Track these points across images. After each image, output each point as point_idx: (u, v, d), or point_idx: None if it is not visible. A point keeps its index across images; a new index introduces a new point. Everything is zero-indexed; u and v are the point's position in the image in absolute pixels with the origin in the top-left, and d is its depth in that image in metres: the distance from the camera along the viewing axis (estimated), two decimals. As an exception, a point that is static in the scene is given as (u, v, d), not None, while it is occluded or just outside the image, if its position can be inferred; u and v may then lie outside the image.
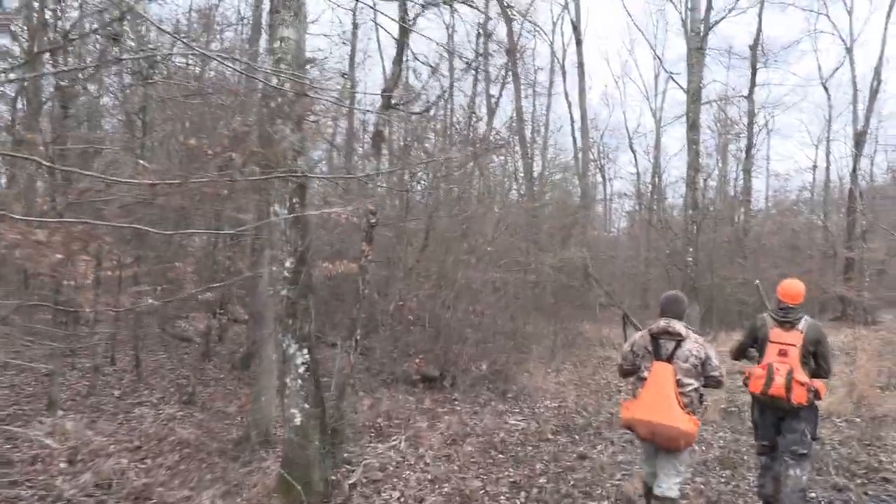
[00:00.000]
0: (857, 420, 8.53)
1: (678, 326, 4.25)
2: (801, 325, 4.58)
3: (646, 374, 4.28)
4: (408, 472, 5.58)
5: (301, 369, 4.62)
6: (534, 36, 28.50)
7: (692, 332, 4.34)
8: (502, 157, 26.28)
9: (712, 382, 4.32)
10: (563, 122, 55.16)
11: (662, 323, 4.30)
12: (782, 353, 4.52)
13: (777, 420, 4.66)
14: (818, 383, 4.56)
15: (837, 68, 37.27)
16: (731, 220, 23.88)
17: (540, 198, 26.70)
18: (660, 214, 24.88)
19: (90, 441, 6.08)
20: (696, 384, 4.19)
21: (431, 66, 8.63)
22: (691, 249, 17.92)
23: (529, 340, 12.49)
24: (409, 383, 9.25)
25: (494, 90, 24.00)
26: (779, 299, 4.72)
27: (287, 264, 4.63)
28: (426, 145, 11.38)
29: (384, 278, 11.34)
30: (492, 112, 25.65)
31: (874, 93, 28.43)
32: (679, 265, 19.08)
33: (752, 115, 25.23)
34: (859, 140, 28.90)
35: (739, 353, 5.07)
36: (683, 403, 4.10)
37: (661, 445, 4.23)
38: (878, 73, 28.05)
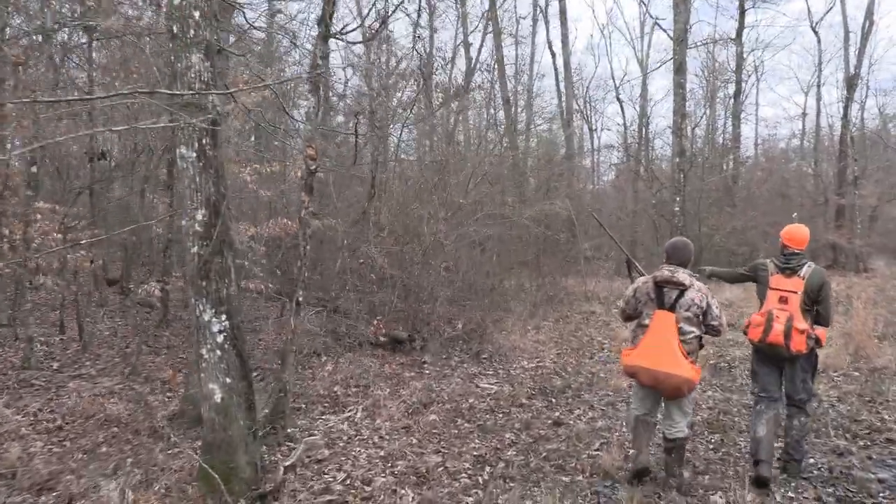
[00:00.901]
0: (856, 374, 7.99)
1: (682, 276, 4.24)
2: (804, 271, 4.51)
3: (647, 321, 4.30)
4: (359, 448, 4.94)
5: (219, 338, 3.92)
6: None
7: (696, 280, 4.31)
8: (481, 108, 25.60)
9: (712, 331, 4.33)
10: (547, 73, 53.94)
11: (667, 272, 4.30)
12: (783, 301, 4.48)
13: (777, 368, 4.66)
14: (819, 330, 4.54)
15: (828, 10, 36.27)
16: (720, 168, 23.16)
17: (522, 148, 26.01)
18: (646, 164, 24.10)
19: (6, 420, 5.43)
20: (697, 332, 4.24)
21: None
22: (678, 198, 17.28)
23: (508, 297, 11.85)
24: (377, 346, 8.61)
25: (475, 40, 23.08)
26: (782, 244, 4.65)
27: (198, 217, 3.90)
28: (374, 84, 10.53)
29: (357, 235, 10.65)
30: (470, 61, 24.72)
31: (866, 35, 27.70)
32: (666, 215, 18.44)
33: (740, 58, 24.37)
34: (851, 84, 28.19)
35: (734, 281, 5.28)
36: (686, 351, 4.13)
37: (665, 393, 4.27)
38: (870, 13, 27.21)
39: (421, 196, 9.91)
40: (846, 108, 28.10)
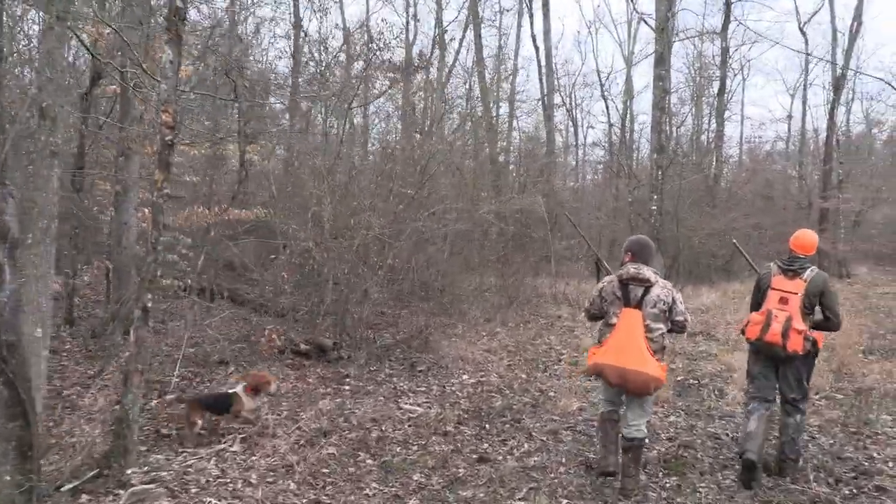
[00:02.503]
0: (839, 396, 7.01)
1: (647, 272, 4.24)
2: (806, 274, 4.54)
3: (614, 320, 4.29)
4: (212, 499, 3.86)
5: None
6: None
7: (659, 277, 4.31)
8: (461, 99, 24.56)
9: (677, 327, 4.36)
10: (532, 69, 52.94)
11: (632, 269, 4.28)
12: (783, 301, 4.51)
13: (773, 369, 4.67)
14: (817, 333, 4.56)
15: (817, 11, 35.49)
16: (700, 166, 22.21)
17: (501, 142, 24.97)
18: (623, 161, 23.09)
19: None
20: (663, 328, 4.26)
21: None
22: (655, 197, 16.27)
23: (462, 300, 10.80)
24: (301, 354, 7.54)
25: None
26: (790, 248, 4.71)
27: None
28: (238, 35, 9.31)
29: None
30: (443, 48, 23.65)
31: (854, 35, 27.02)
32: (643, 214, 17.43)
33: (725, 52, 23.47)
34: (838, 85, 27.56)
35: (755, 306, 4.86)
36: (652, 350, 4.16)
37: (631, 391, 4.24)
38: (858, 13, 26.44)
39: (360, 186, 8.83)
40: (832, 109, 27.48)
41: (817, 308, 4.61)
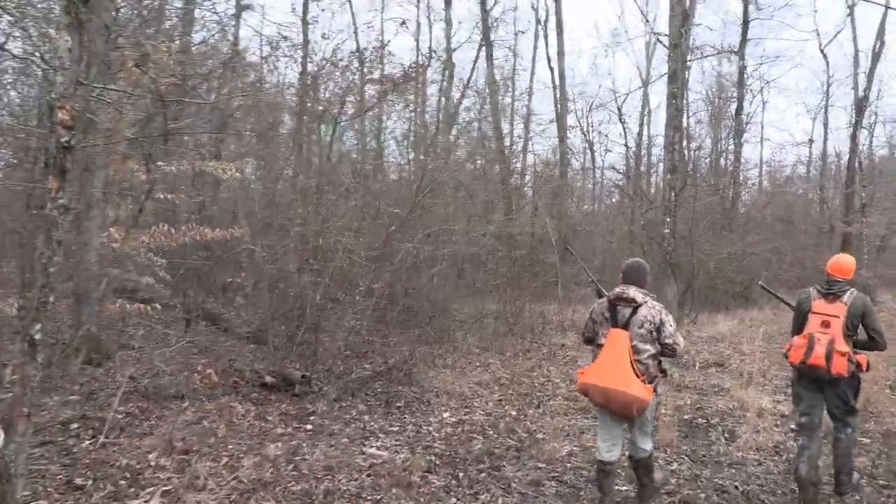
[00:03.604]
0: (865, 440, 6.21)
1: (633, 292, 4.26)
2: (846, 297, 4.58)
3: (602, 340, 4.30)
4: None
5: None
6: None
7: (650, 298, 4.31)
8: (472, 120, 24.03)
9: (668, 350, 4.26)
10: (547, 92, 52.42)
11: (618, 289, 4.32)
12: (825, 324, 4.53)
13: (819, 392, 4.65)
14: (861, 356, 4.55)
15: (838, 32, 34.79)
16: (717, 188, 21.39)
17: (517, 165, 24.36)
18: (636, 182, 22.30)
19: None
20: (651, 350, 4.20)
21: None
22: (668, 219, 15.52)
23: (455, 326, 10.11)
24: (267, 387, 6.88)
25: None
26: (827, 273, 4.76)
27: None
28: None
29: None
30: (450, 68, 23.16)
31: (877, 56, 26.31)
32: (656, 238, 16.66)
33: (742, 71, 22.78)
34: (860, 106, 26.82)
35: (797, 331, 4.83)
36: (639, 371, 4.11)
37: (614, 411, 4.21)
38: (881, 33, 25.73)
39: (338, 207, 8.22)
40: (855, 131, 26.74)
41: (860, 329, 4.62)
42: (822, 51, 28.59)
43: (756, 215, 22.26)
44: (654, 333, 4.18)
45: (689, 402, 7.68)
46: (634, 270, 4.40)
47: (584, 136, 32.22)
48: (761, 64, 27.62)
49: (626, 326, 4.19)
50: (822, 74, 34.70)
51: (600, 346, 4.29)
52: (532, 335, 12.36)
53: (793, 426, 4.95)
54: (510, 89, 27.92)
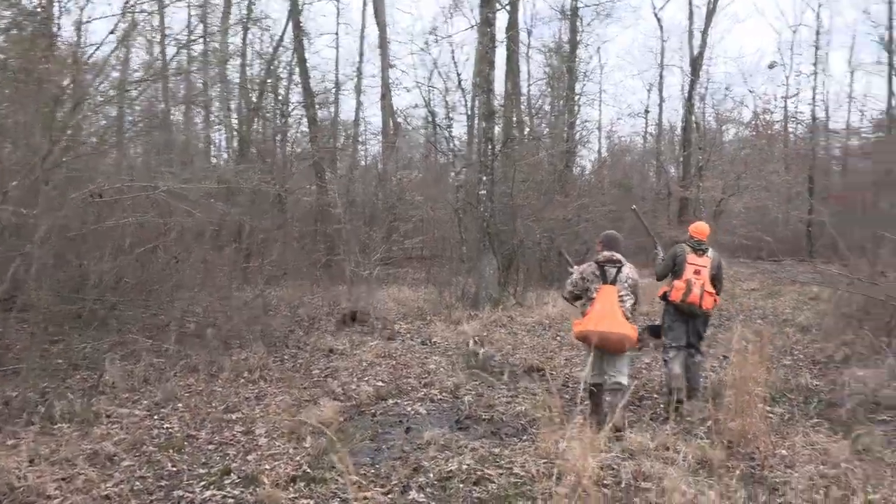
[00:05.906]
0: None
1: (618, 256, 5.39)
2: (710, 253, 6.00)
3: (594, 294, 5.31)
4: None
5: None
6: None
7: (626, 260, 5.43)
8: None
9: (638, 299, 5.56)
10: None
11: (607, 254, 5.40)
12: (697, 273, 5.83)
13: (685, 323, 5.91)
14: (716, 297, 6.02)
15: (672, -5, 33.81)
16: (547, 144, 18.68)
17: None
18: (446, 135, 18.82)
19: None
20: (632, 299, 5.37)
21: None
22: (485, 178, 12.44)
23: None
24: None
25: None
26: (691, 235, 6.05)
27: None
28: None
29: None
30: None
31: (711, 12, 25.09)
32: (472, 201, 13.50)
33: (574, 31, 20.40)
34: (695, 65, 25.60)
35: (664, 276, 6.20)
36: (625, 315, 5.21)
37: (609, 349, 5.18)
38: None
39: None
40: (691, 91, 25.66)
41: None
42: (655, 14, 27.43)
43: (591, 179, 19.89)
44: (634, 287, 5.40)
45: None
46: (612, 240, 5.55)
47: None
48: (593, 19, 25.46)
49: (613, 283, 5.30)
50: (658, 41, 33.38)
51: (592, 299, 5.32)
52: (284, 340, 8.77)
53: (666, 355, 5.91)
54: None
